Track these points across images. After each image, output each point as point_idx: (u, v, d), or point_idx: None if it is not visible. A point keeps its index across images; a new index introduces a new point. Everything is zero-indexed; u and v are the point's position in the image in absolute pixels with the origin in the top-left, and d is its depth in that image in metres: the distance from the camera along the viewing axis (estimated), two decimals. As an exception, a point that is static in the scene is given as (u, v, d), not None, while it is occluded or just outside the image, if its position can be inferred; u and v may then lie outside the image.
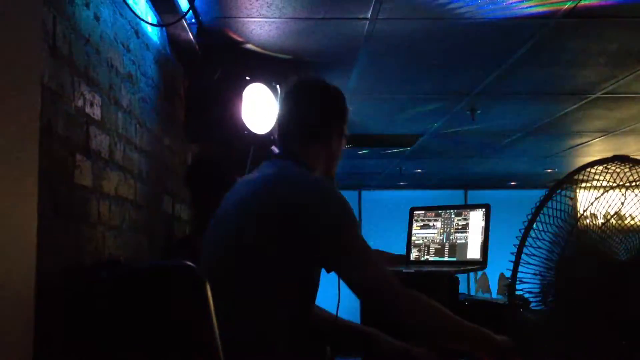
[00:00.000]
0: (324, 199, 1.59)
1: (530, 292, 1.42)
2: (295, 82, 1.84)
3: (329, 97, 1.84)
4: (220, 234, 1.68)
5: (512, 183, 9.20)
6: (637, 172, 1.31)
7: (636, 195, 1.32)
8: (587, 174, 1.38)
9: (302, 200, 1.58)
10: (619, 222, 1.34)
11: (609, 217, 1.34)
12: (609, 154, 1.46)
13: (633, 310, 1.27)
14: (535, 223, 1.40)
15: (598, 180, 1.37)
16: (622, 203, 1.33)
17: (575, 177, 1.39)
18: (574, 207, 1.39)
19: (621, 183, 1.35)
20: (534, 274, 1.39)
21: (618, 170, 1.34)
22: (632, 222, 1.35)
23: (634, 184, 1.33)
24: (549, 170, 7.70)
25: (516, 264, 1.38)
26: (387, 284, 1.56)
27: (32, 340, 1.09)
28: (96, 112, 1.81)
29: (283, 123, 1.81)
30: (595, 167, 1.37)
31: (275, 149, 1.81)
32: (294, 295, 1.60)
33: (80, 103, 1.68)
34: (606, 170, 1.36)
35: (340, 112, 1.83)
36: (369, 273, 1.57)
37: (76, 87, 1.65)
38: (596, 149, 6.28)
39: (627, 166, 1.35)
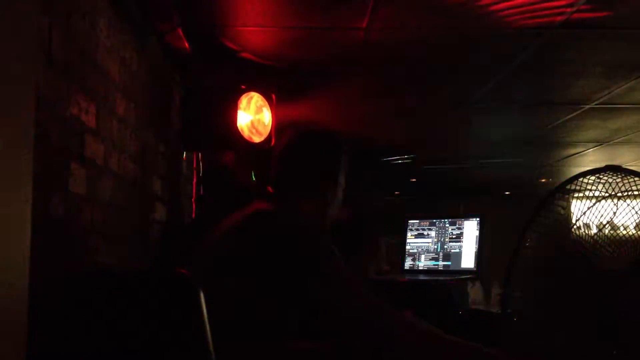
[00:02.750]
0: (304, 239, 1.59)
1: (523, 302, 1.42)
2: (296, 132, 1.87)
3: (327, 150, 1.86)
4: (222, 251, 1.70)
5: (507, 192, 9.22)
6: (629, 182, 1.32)
7: (628, 205, 1.33)
8: (579, 183, 1.39)
9: (284, 243, 1.58)
10: (612, 232, 1.34)
11: (601, 227, 1.34)
12: (603, 164, 1.47)
13: (625, 321, 1.27)
14: (528, 232, 1.40)
15: (590, 190, 1.38)
16: (614, 213, 1.34)
17: (568, 187, 1.40)
18: (567, 217, 1.40)
19: (613, 193, 1.36)
20: (527, 283, 1.40)
21: (610, 180, 1.35)
22: (625, 232, 1.36)
23: (626, 194, 1.34)
24: (544, 180, 7.72)
25: (509, 273, 1.38)
26: (376, 312, 1.54)
27: (24, 349, 1.09)
28: (91, 120, 1.81)
29: (281, 170, 1.84)
30: (588, 177, 1.38)
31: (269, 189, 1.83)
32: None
33: (75, 111, 1.68)
34: (599, 180, 1.37)
35: (332, 165, 1.84)
36: (357, 310, 1.54)
37: (72, 95, 1.66)
38: (590, 159, 6.30)
39: (620, 176, 1.35)
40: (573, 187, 1.40)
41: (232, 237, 1.67)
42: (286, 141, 1.86)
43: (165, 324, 1.12)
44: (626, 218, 1.33)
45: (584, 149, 5.89)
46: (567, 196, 1.41)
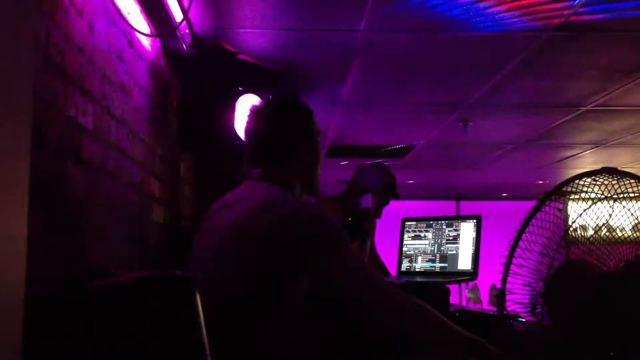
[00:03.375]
0: (309, 222, 1.59)
1: (519, 303, 1.42)
2: (260, 101, 1.88)
3: (291, 114, 1.85)
4: (210, 255, 1.69)
5: (504, 194, 9.24)
6: (624, 184, 1.32)
7: (624, 207, 1.33)
8: (575, 185, 1.39)
9: (287, 225, 1.58)
10: (608, 233, 1.35)
11: (597, 229, 1.35)
12: (600, 166, 1.48)
13: (620, 322, 1.28)
14: (524, 234, 1.41)
15: (586, 192, 1.38)
16: (610, 215, 1.35)
17: (564, 189, 1.40)
18: (563, 219, 1.40)
19: (609, 195, 1.36)
20: (523, 284, 1.40)
21: (606, 182, 1.36)
22: (621, 234, 1.36)
23: (621, 195, 1.34)
24: (541, 182, 7.73)
25: (505, 275, 1.39)
26: (388, 295, 1.55)
27: (20, 353, 1.09)
28: (89, 122, 1.81)
29: (252, 144, 1.83)
30: (584, 179, 1.39)
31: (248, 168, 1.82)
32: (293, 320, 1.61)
33: (72, 113, 1.68)
34: (594, 182, 1.38)
35: (305, 126, 1.84)
36: (368, 287, 1.56)
37: (69, 96, 1.66)
38: (587, 160, 6.32)
39: (615, 178, 1.36)
40: (569, 189, 1.40)
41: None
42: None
43: (162, 326, 1.12)
44: (622, 220, 1.34)
45: (581, 151, 5.91)
46: (563, 198, 1.42)
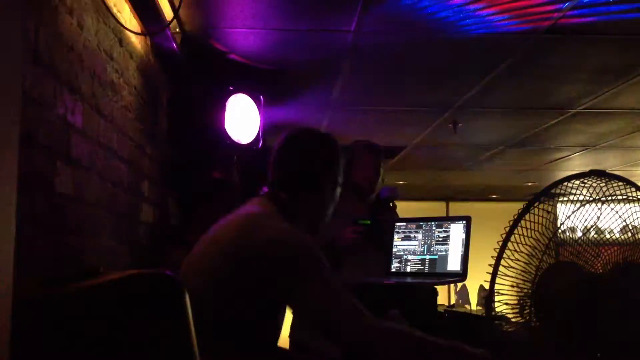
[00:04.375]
0: (285, 246, 1.59)
1: (507, 304, 1.43)
2: (292, 131, 1.87)
3: (324, 147, 1.85)
4: (200, 259, 1.70)
5: (494, 195, 9.27)
6: (612, 187, 1.33)
7: (612, 209, 1.34)
8: (564, 188, 1.40)
9: (262, 247, 1.58)
10: (596, 236, 1.36)
11: (585, 231, 1.36)
12: (589, 168, 1.49)
13: (606, 323, 1.28)
14: (512, 236, 1.41)
15: (575, 194, 1.39)
16: (598, 217, 1.36)
17: (553, 191, 1.41)
18: (551, 221, 1.41)
19: (597, 197, 1.37)
20: (512, 285, 1.41)
21: (595, 184, 1.37)
22: (609, 237, 1.37)
23: (609, 198, 1.35)
24: (530, 184, 7.77)
25: (493, 276, 1.39)
26: (358, 323, 1.54)
27: (7, 350, 1.08)
28: (78, 120, 1.80)
29: (277, 169, 1.83)
30: (572, 182, 1.39)
31: (264, 189, 1.83)
32: (257, 331, 1.62)
33: (62, 111, 1.67)
34: (583, 185, 1.38)
35: (333, 171, 1.84)
36: (336, 313, 1.54)
37: (58, 95, 1.65)
38: (576, 163, 6.35)
39: (604, 181, 1.37)
40: (558, 191, 1.41)
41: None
42: (280, 140, 1.86)
43: (150, 325, 1.11)
44: (610, 222, 1.35)
45: (570, 153, 5.94)
46: (552, 200, 1.42)
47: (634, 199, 1.38)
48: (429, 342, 1.54)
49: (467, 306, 5.90)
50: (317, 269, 1.57)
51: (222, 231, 1.71)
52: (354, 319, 1.54)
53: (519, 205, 1.54)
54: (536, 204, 1.40)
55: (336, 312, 1.55)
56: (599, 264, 1.36)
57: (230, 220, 1.73)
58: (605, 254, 1.35)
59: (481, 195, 9.20)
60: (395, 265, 2.60)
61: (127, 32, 2.32)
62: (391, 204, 2.88)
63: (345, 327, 1.55)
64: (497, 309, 1.49)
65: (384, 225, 2.65)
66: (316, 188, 1.80)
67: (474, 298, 6.10)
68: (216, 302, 1.59)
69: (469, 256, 2.41)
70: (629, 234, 1.37)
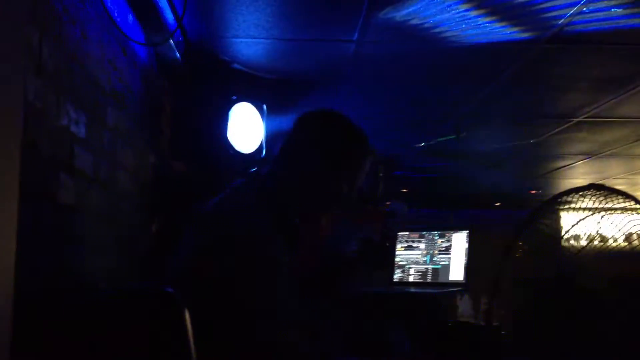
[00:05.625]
0: (228, 240, 1.49)
1: (507, 316, 1.43)
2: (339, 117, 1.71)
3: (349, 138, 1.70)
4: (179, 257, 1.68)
5: (497, 204, 9.25)
6: (612, 201, 1.33)
7: (611, 223, 1.34)
8: (564, 201, 1.40)
9: (211, 239, 1.51)
10: (595, 249, 1.36)
11: (585, 245, 1.36)
12: (592, 177, 1.49)
13: (605, 337, 1.28)
14: (512, 250, 1.41)
15: (574, 209, 1.39)
16: (597, 231, 1.35)
17: (552, 205, 1.41)
18: (550, 235, 1.41)
19: (597, 208, 1.37)
20: (511, 299, 1.41)
21: (594, 198, 1.37)
22: (608, 249, 1.37)
23: (609, 212, 1.35)
24: (533, 192, 7.76)
25: (495, 290, 1.39)
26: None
27: (9, 362, 1.08)
28: (81, 131, 1.81)
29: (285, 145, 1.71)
30: (572, 195, 1.39)
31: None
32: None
33: (65, 122, 1.68)
34: (582, 199, 1.38)
35: (348, 167, 1.67)
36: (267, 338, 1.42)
37: (61, 105, 1.65)
38: (580, 171, 6.34)
39: (603, 194, 1.37)
40: (557, 205, 1.41)
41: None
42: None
43: (149, 342, 1.11)
44: (610, 235, 1.35)
45: (573, 162, 5.93)
46: (551, 214, 1.42)
47: (634, 211, 1.38)
48: None
49: (470, 316, 5.87)
50: (269, 276, 1.45)
51: (196, 223, 1.65)
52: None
53: (523, 214, 1.54)
54: (535, 218, 1.40)
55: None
56: (598, 278, 1.35)
57: (205, 210, 1.65)
58: (605, 268, 1.35)
59: (485, 203, 9.18)
60: (397, 275, 2.59)
61: (130, 42, 2.33)
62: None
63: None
64: (497, 321, 1.49)
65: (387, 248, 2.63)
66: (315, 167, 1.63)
67: (476, 308, 6.08)
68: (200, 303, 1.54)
69: (471, 266, 2.41)
70: (628, 247, 1.37)
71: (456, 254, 2.47)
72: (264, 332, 1.42)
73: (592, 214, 1.37)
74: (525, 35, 2.89)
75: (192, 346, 1.12)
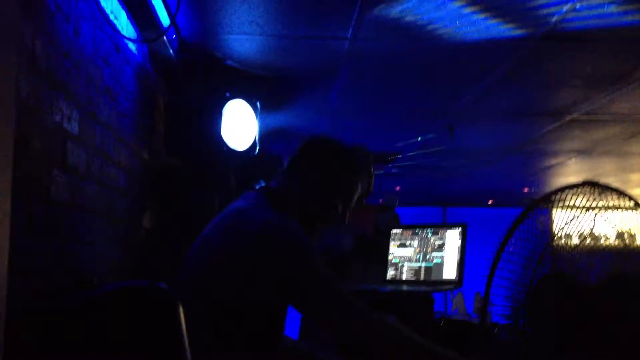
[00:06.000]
0: (276, 240, 1.58)
1: (501, 315, 1.43)
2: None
3: (344, 155, 1.85)
4: (196, 258, 1.70)
5: (490, 201, 9.28)
6: (606, 198, 1.34)
7: (605, 220, 1.35)
8: (557, 199, 1.40)
9: (256, 244, 1.58)
10: (590, 245, 1.36)
11: (579, 241, 1.36)
12: (585, 175, 1.49)
13: (599, 335, 1.29)
14: (507, 246, 1.42)
15: (568, 206, 1.40)
16: (592, 228, 1.36)
17: (545, 202, 1.41)
18: (545, 232, 1.41)
19: (591, 207, 1.38)
20: (506, 296, 1.41)
21: (588, 195, 1.37)
22: (602, 246, 1.37)
23: (602, 210, 1.35)
24: (526, 189, 7.78)
25: (488, 286, 1.40)
26: (357, 317, 1.55)
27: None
28: (74, 127, 1.80)
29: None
30: (566, 192, 1.40)
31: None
32: (259, 328, 1.61)
33: (57, 118, 1.67)
34: (576, 196, 1.39)
35: (349, 169, 1.84)
36: (336, 310, 1.55)
37: (54, 102, 1.65)
38: (573, 169, 6.36)
39: (597, 191, 1.37)
40: (550, 203, 1.41)
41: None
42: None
43: (143, 338, 1.11)
44: (604, 232, 1.35)
45: (566, 159, 5.95)
46: (545, 211, 1.43)
47: (627, 207, 1.39)
48: (426, 347, 1.54)
49: (464, 313, 5.90)
50: (309, 262, 1.57)
51: (213, 229, 1.70)
52: (353, 317, 1.54)
53: (516, 211, 1.54)
54: (529, 215, 1.41)
55: (336, 310, 1.55)
56: (592, 274, 1.36)
57: (221, 218, 1.72)
58: (599, 263, 1.36)
59: (478, 201, 9.21)
60: (391, 273, 2.60)
61: (123, 39, 2.32)
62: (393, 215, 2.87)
63: (345, 326, 1.55)
64: (492, 319, 1.49)
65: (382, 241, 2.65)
66: (320, 183, 1.79)
67: (470, 305, 6.11)
68: (214, 305, 1.57)
69: (464, 263, 2.42)
70: (622, 244, 1.37)
71: (450, 251, 2.47)
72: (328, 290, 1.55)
73: (586, 211, 1.38)
74: (518, 32, 2.89)
75: (186, 343, 1.12)
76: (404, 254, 2.60)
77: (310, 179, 1.78)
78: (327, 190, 1.80)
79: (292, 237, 1.59)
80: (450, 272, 2.43)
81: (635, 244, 1.42)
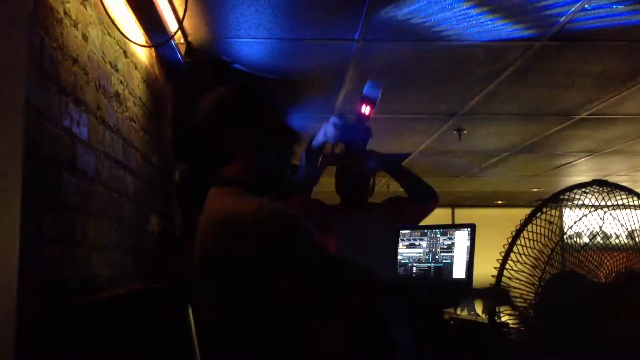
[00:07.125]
0: (263, 231, 1.44)
1: (511, 314, 1.43)
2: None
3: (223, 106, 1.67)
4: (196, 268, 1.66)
5: (499, 202, 9.25)
6: (615, 197, 1.33)
7: (614, 218, 1.34)
8: (567, 197, 1.40)
9: (240, 240, 1.46)
10: (599, 244, 1.36)
11: (588, 241, 1.35)
12: (594, 174, 1.49)
13: (608, 333, 1.28)
14: (515, 247, 1.41)
15: (577, 205, 1.39)
16: (601, 227, 1.35)
17: (554, 202, 1.41)
18: (554, 231, 1.41)
19: (600, 206, 1.37)
20: (514, 296, 1.41)
21: (597, 194, 1.37)
22: (611, 245, 1.37)
23: (611, 209, 1.35)
24: (535, 190, 7.75)
25: (497, 284, 1.39)
26: (359, 296, 1.46)
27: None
28: (83, 132, 1.81)
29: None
30: (575, 191, 1.39)
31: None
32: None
33: (67, 123, 1.68)
34: (585, 195, 1.38)
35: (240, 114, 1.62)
36: (336, 291, 1.44)
37: (63, 107, 1.66)
38: (582, 168, 6.33)
39: (606, 190, 1.37)
40: (560, 202, 1.41)
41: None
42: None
43: (153, 340, 1.11)
44: (613, 231, 1.35)
45: (576, 159, 5.93)
46: (554, 210, 1.42)
47: (637, 206, 1.38)
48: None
49: (472, 314, 5.87)
50: (302, 244, 1.44)
51: (201, 236, 1.62)
52: (355, 293, 1.45)
53: (525, 211, 1.53)
54: (538, 215, 1.40)
55: (336, 289, 1.44)
56: (601, 274, 1.35)
57: (202, 224, 1.63)
58: (608, 262, 1.35)
59: (487, 201, 9.18)
60: (400, 273, 2.59)
61: (131, 43, 2.33)
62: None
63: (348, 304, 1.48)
64: (501, 318, 1.48)
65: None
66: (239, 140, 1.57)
67: (479, 305, 6.08)
68: (226, 311, 1.54)
69: (473, 263, 2.40)
70: (632, 242, 1.37)
71: (459, 252, 2.46)
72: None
73: (595, 210, 1.37)
74: (527, 33, 2.89)
75: (196, 344, 1.12)
76: (412, 255, 2.60)
77: (244, 148, 1.58)
78: (262, 144, 1.57)
79: (282, 221, 1.45)
80: (459, 272, 2.42)
81: (645, 242, 1.41)
